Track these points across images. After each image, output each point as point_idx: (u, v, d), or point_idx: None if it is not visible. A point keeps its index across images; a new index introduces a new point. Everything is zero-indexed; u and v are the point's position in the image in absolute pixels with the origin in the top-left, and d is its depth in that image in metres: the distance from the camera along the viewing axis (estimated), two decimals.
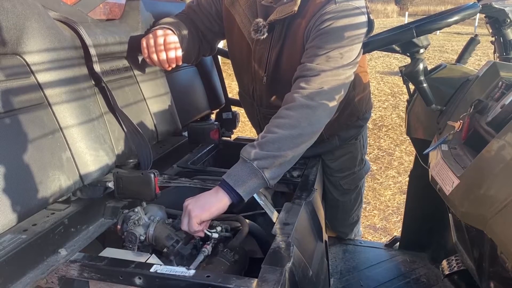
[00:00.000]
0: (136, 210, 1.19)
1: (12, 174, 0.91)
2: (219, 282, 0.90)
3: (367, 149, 2.19)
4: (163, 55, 1.37)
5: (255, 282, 0.90)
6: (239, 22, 1.48)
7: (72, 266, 0.97)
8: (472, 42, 1.75)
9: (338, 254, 2.03)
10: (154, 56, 1.37)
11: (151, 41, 1.36)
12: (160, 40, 1.36)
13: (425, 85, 1.49)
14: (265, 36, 1.40)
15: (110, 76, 1.29)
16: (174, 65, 1.42)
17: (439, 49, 12.22)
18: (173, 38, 1.39)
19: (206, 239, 1.17)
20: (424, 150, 1.40)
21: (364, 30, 1.32)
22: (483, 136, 1.13)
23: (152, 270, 0.94)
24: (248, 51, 1.51)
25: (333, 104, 1.27)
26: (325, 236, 1.52)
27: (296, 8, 1.32)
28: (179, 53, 1.41)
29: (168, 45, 1.37)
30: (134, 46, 1.41)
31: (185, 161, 1.63)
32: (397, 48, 1.52)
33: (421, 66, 1.48)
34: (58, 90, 1.06)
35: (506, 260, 0.94)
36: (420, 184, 1.85)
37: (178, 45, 1.41)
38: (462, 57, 1.77)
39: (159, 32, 1.38)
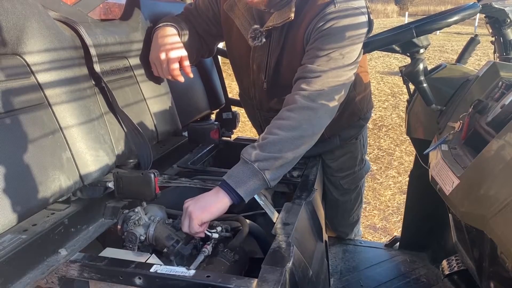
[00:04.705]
0: (136, 210, 1.19)
1: (12, 174, 0.91)
2: (219, 282, 0.90)
3: (367, 149, 2.19)
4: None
5: (255, 282, 0.90)
6: (240, 26, 1.47)
7: (72, 266, 0.97)
8: (472, 42, 1.75)
9: (338, 254, 2.03)
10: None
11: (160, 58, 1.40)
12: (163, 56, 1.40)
13: (425, 85, 1.49)
14: (262, 42, 1.40)
15: (110, 76, 1.29)
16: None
17: (439, 49, 12.22)
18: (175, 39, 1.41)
19: (206, 239, 1.16)
20: (424, 150, 1.40)
21: (365, 30, 1.32)
22: (483, 136, 1.13)
23: (152, 270, 0.94)
24: (247, 55, 1.50)
25: (334, 105, 1.27)
26: (325, 236, 1.52)
27: (292, 15, 1.31)
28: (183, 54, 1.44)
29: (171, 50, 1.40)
30: (135, 46, 1.41)
31: (185, 161, 1.63)
32: (397, 48, 1.51)
33: (421, 66, 1.48)
34: (58, 90, 1.06)
35: (506, 260, 0.94)
36: (420, 184, 1.85)
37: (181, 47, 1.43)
38: (462, 57, 1.77)
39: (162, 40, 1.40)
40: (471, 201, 1.01)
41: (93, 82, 1.20)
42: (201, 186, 1.32)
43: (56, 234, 1.02)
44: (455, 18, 1.35)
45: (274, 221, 1.21)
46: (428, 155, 1.40)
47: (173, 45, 1.40)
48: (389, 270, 1.95)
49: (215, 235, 1.16)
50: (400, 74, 1.62)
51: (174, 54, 1.40)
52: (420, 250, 2.05)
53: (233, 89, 4.24)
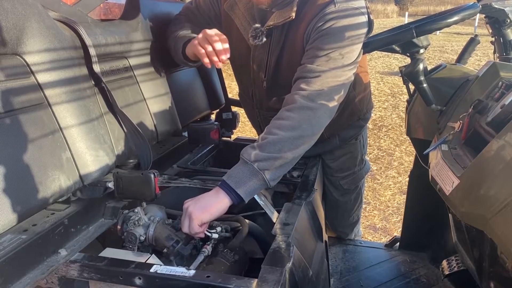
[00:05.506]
0: (136, 210, 1.19)
1: (12, 174, 0.91)
2: (219, 282, 0.90)
3: (367, 149, 2.19)
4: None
5: (255, 282, 0.90)
6: (239, 26, 1.47)
7: (72, 266, 0.97)
8: (472, 42, 1.75)
9: (338, 254, 2.03)
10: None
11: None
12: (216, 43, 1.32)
13: (425, 85, 1.49)
14: (263, 41, 1.40)
15: (110, 76, 1.29)
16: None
17: (439, 49, 12.22)
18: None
19: (206, 239, 1.16)
20: (424, 150, 1.40)
21: (365, 30, 1.32)
22: (483, 136, 1.13)
23: (152, 270, 0.94)
24: (247, 55, 1.50)
25: (334, 105, 1.27)
26: (325, 236, 1.52)
27: (293, 14, 1.32)
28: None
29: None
30: (134, 46, 1.41)
31: (185, 161, 1.63)
32: (397, 48, 1.51)
33: (421, 66, 1.48)
34: (58, 90, 1.06)
35: (506, 260, 0.94)
36: (420, 184, 1.85)
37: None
38: (462, 57, 1.77)
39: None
40: (471, 201, 1.01)
41: (93, 82, 1.20)
42: (201, 186, 1.32)
43: (56, 234, 1.02)
44: (455, 18, 1.35)
45: (274, 221, 1.21)
46: (428, 155, 1.40)
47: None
48: (389, 270, 1.95)
49: (215, 235, 1.16)
50: (400, 74, 1.62)
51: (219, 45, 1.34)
52: (420, 250, 2.05)
53: (233, 89, 4.24)
